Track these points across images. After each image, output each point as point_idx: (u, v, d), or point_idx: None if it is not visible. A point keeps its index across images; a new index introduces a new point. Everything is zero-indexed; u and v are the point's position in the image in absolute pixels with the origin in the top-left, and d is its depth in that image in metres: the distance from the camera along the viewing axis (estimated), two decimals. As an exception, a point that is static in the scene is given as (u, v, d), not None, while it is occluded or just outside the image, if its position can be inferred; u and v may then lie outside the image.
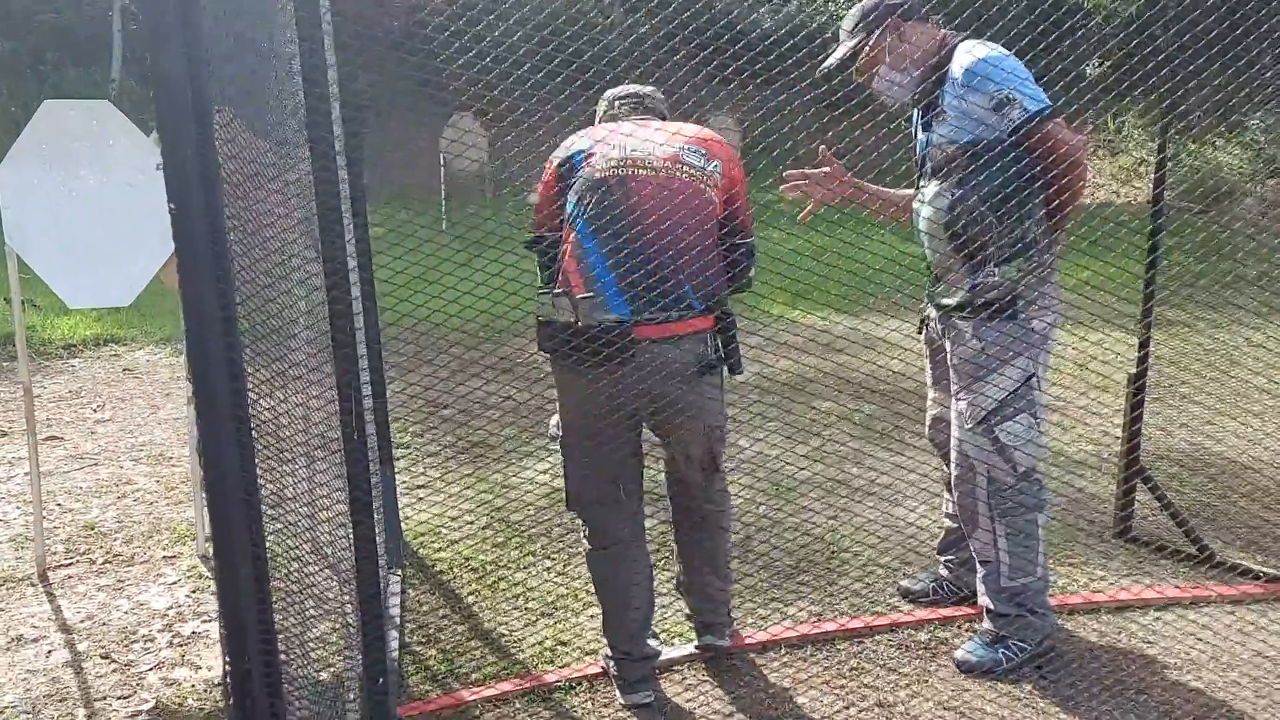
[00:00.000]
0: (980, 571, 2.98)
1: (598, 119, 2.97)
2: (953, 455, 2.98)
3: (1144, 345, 3.70)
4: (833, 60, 2.98)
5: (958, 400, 2.92)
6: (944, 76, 2.82)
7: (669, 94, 3.07)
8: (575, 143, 2.79)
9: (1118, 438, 4.24)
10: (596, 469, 2.79)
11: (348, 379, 2.47)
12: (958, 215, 2.80)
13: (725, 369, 2.77)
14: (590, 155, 2.72)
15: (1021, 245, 2.80)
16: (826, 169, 3.12)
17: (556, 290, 2.65)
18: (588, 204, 2.66)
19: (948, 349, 2.95)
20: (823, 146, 3.13)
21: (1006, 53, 2.78)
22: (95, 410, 5.55)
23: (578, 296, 2.61)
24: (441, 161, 10.14)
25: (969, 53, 2.79)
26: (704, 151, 2.73)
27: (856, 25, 2.95)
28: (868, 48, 2.92)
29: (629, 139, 2.69)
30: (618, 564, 2.84)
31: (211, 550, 3.70)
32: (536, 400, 4.65)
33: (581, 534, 2.91)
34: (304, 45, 2.14)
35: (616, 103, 2.94)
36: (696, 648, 3.05)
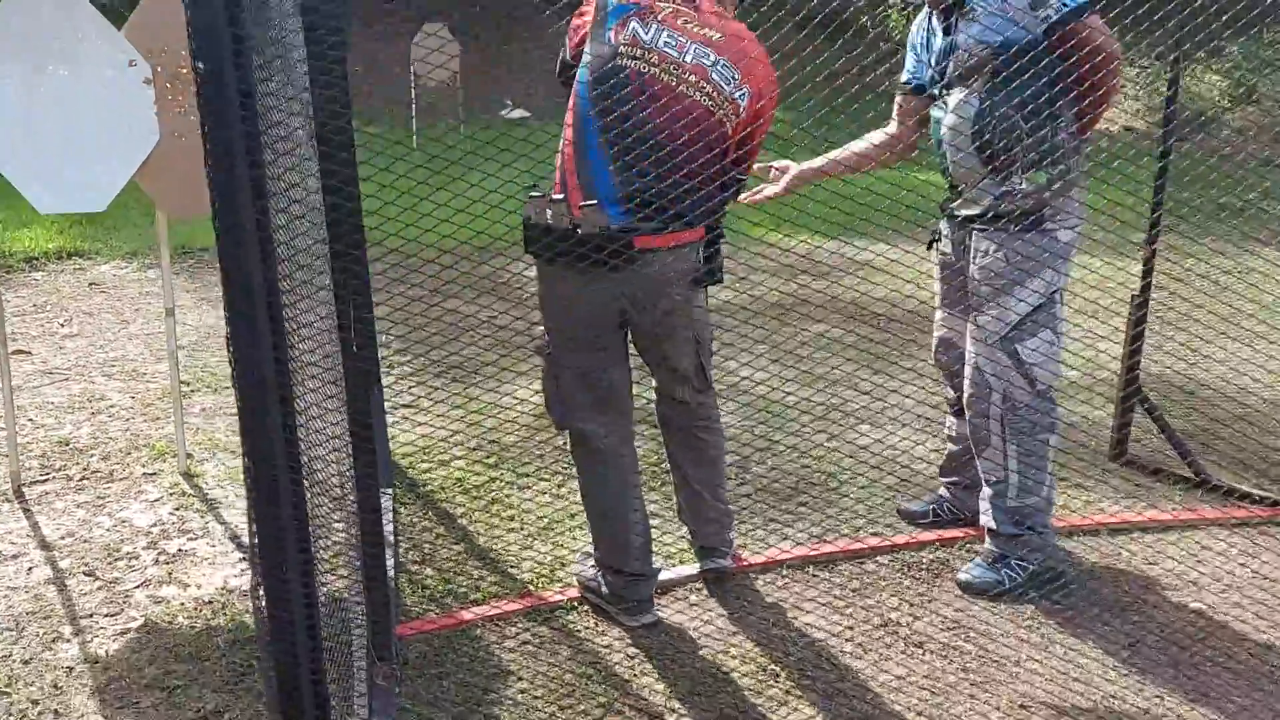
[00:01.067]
0: (988, 492, 2.95)
1: None
2: (967, 374, 2.92)
3: (1148, 266, 3.65)
4: None
5: (978, 316, 2.85)
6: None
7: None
8: None
9: (1105, 362, 4.22)
10: (585, 377, 2.70)
11: (349, 287, 2.36)
12: (986, 121, 2.70)
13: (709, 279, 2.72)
14: (626, 20, 2.53)
15: (1051, 151, 2.71)
16: (779, 176, 3.01)
17: (555, 195, 2.53)
18: (600, 89, 2.51)
19: (969, 264, 2.87)
20: (770, 169, 3.02)
21: None
22: (63, 325, 5.37)
23: (580, 205, 2.49)
24: (412, 73, 9.81)
25: None
26: (737, 74, 2.55)
27: None
28: None
29: (666, 30, 2.53)
30: (616, 477, 2.76)
31: (193, 468, 3.53)
32: (524, 322, 4.54)
33: (572, 453, 2.83)
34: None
35: None
36: (699, 571, 3.00)
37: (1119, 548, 3.19)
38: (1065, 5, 2.58)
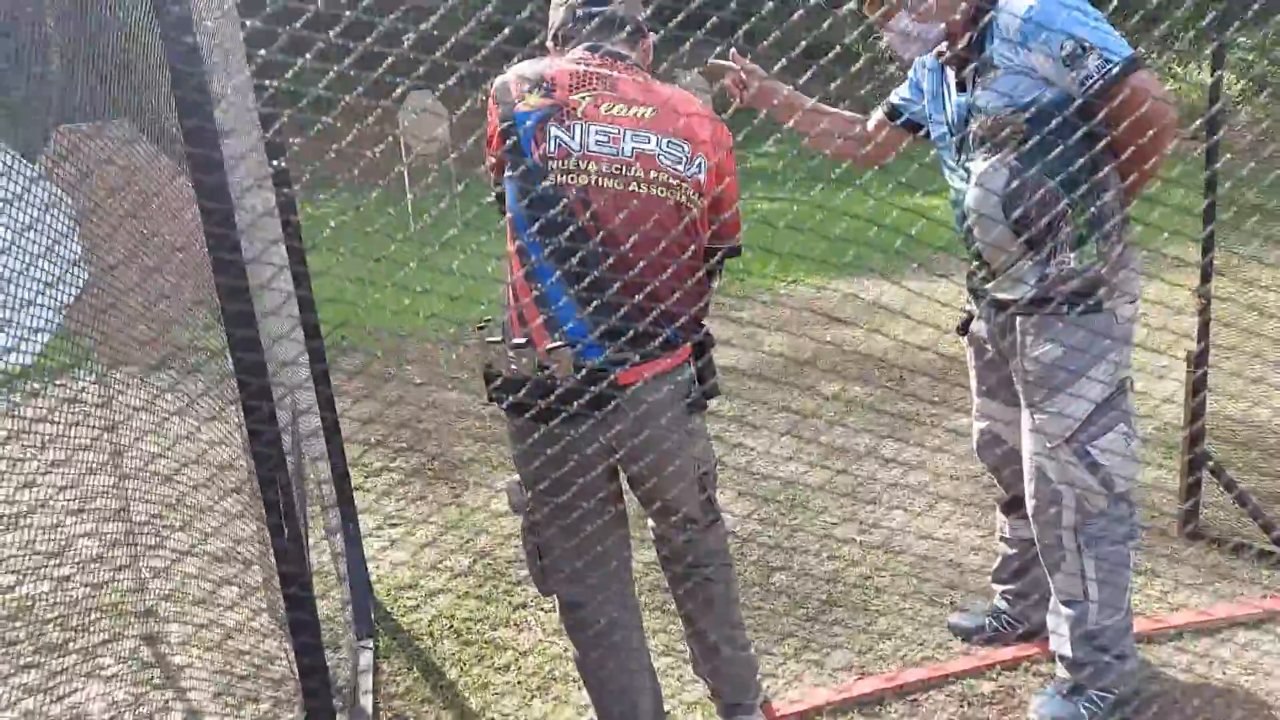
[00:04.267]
0: (1064, 612, 2.50)
1: (551, 30, 2.31)
2: (1028, 481, 2.48)
3: (1204, 314, 3.22)
4: None
5: (1035, 415, 2.42)
6: (989, 24, 2.29)
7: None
8: (524, 96, 2.14)
9: (1155, 406, 3.79)
10: (571, 538, 2.29)
11: (267, 459, 1.96)
12: (1021, 193, 2.28)
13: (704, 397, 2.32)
14: (543, 128, 2.11)
15: (1099, 221, 2.29)
16: (747, 79, 2.67)
17: (516, 340, 2.13)
18: (539, 217, 2.11)
19: (1015, 354, 2.45)
20: (733, 49, 2.65)
21: None
22: None
23: (547, 348, 2.10)
24: (401, 145, 9.46)
25: None
26: (686, 147, 2.15)
27: None
28: None
29: (592, 126, 2.13)
30: (613, 646, 2.33)
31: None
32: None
33: (560, 619, 2.42)
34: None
35: (577, 13, 2.25)
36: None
37: (1208, 655, 2.74)
38: (1107, 62, 2.15)
